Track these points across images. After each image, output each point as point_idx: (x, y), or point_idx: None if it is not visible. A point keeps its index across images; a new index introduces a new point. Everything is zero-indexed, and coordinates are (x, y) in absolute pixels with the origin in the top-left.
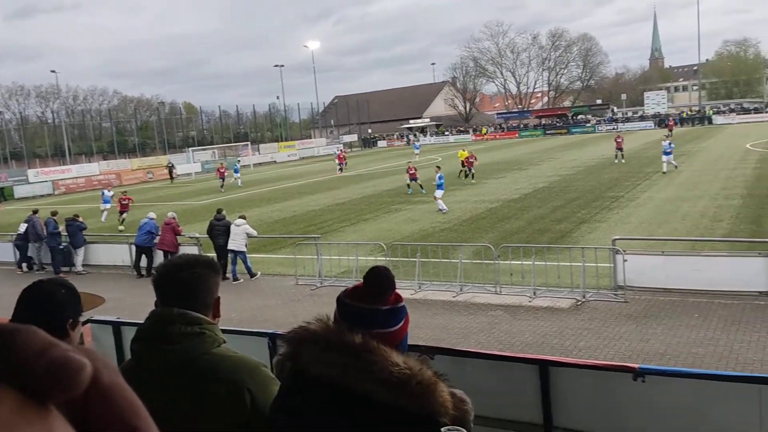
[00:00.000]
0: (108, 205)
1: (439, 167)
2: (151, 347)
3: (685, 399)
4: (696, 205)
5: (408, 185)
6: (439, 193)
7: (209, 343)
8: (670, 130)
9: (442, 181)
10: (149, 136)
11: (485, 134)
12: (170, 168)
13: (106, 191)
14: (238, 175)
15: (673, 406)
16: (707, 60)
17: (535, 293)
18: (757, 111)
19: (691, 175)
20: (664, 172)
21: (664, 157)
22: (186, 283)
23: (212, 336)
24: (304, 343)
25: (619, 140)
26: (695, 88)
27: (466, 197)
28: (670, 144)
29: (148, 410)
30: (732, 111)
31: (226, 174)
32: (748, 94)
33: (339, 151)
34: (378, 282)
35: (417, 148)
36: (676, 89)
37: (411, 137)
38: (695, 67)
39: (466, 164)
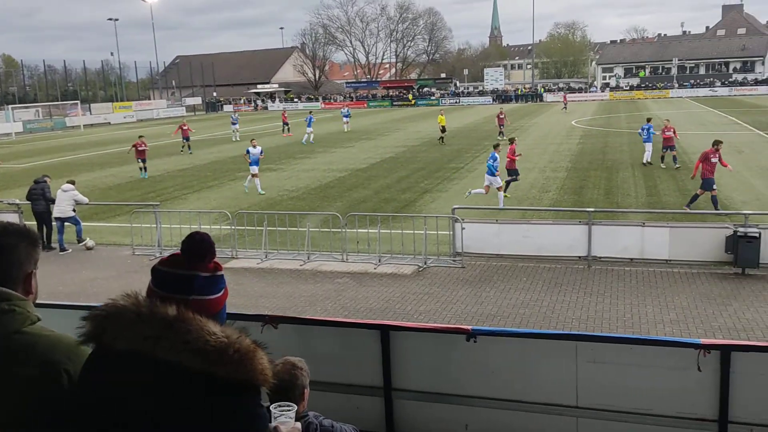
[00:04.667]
0: (256, 169)
1: (253, 140)
2: None
3: (513, 356)
4: (527, 177)
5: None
6: (254, 169)
7: (20, 321)
8: (565, 104)
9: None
10: None
11: (412, 100)
12: None
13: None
14: (311, 129)
15: (502, 363)
16: (540, 41)
17: (380, 260)
18: (581, 90)
19: (524, 149)
20: (649, 162)
21: (648, 146)
22: None
23: (23, 313)
24: (110, 319)
25: (501, 116)
26: (529, 66)
27: (314, 166)
28: (650, 129)
29: None
30: (560, 90)
31: (190, 132)
32: (575, 75)
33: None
34: (196, 248)
35: (347, 117)
36: (513, 67)
37: (343, 107)
38: (530, 47)
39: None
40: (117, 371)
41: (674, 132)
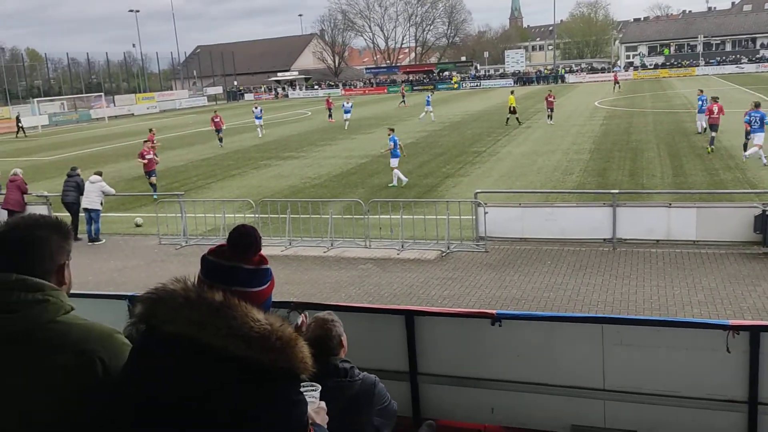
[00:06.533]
0: (395, 162)
1: (392, 129)
2: None
3: (538, 340)
4: (550, 159)
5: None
6: (395, 162)
7: (54, 310)
8: (617, 83)
9: (395, 144)
10: None
11: (455, 82)
12: (18, 121)
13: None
14: (430, 108)
15: (527, 347)
16: (562, 21)
17: (403, 246)
18: (604, 70)
19: (546, 131)
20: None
21: (699, 115)
22: (24, 245)
23: (57, 303)
24: (160, 302)
25: (550, 99)
26: (550, 47)
27: (336, 152)
28: (704, 99)
29: None
30: (582, 70)
31: (333, 106)
32: (597, 54)
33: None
34: (241, 240)
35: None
36: (534, 48)
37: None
38: (551, 28)
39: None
40: (164, 354)
41: (720, 110)
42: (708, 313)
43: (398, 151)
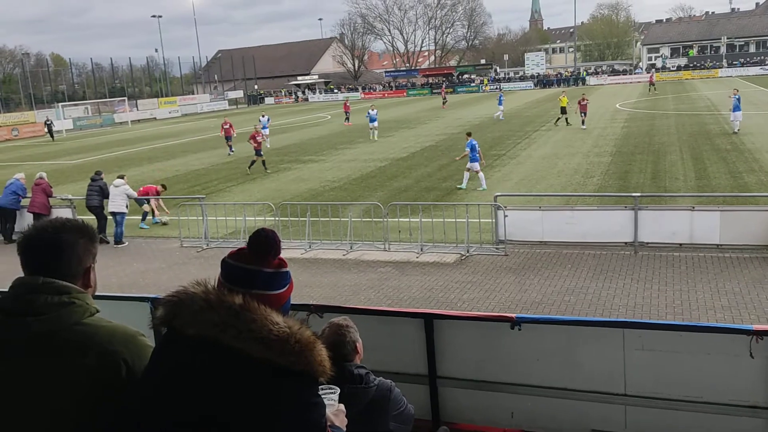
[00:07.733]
0: (476, 165)
1: (469, 133)
2: (12, 319)
3: (558, 344)
4: (570, 162)
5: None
6: (476, 165)
7: (80, 313)
8: (652, 83)
9: (473, 149)
10: (13, 90)
11: (486, 84)
12: (49, 125)
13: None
14: (502, 107)
15: (547, 350)
16: (582, 23)
17: (422, 249)
18: (625, 72)
19: (567, 134)
20: (735, 132)
21: (735, 114)
22: (51, 248)
23: (83, 305)
24: (181, 305)
25: (583, 103)
26: (571, 49)
27: (356, 156)
28: (739, 99)
29: (10, 386)
30: (604, 72)
31: (350, 110)
32: (618, 56)
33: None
34: (261, 244)
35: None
36: (554, 51)
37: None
38: (571, 30)
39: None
40: (185, 356)
41: None
42: (731, 317)
43: (476, 154)
